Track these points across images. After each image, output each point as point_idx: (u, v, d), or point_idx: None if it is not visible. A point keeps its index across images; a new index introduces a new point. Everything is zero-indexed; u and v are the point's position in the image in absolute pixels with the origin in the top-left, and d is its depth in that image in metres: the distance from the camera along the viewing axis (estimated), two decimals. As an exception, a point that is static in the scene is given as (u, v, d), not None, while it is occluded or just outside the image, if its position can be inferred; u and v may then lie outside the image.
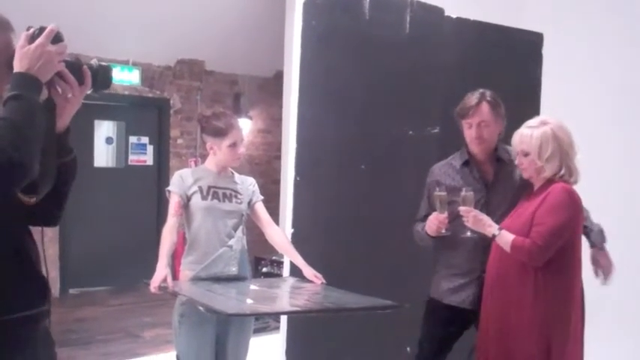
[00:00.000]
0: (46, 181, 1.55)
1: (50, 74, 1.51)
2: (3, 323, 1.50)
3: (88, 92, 1.64)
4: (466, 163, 2.87)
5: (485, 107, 2.76)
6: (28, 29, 1.51)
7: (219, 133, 2.83)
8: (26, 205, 1.56)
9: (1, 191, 1.45)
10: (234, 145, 2.84)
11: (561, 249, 2.49)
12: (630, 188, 4.03)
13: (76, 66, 1.59)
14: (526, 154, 2.55)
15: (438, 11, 3.61)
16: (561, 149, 2.51)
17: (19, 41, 1.49)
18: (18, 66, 1.47)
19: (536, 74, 3.86)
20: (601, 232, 2.77)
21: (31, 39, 1.49)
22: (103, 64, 1.67)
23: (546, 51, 3.90)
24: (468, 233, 2.68)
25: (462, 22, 3.68)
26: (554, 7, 4.32)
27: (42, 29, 1.51)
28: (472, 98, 2.79)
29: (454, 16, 3.66)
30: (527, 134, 2.55)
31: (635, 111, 4.06)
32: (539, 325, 2.49)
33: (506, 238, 2.52)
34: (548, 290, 2.50)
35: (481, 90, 2.81)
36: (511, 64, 3.70)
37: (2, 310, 1.51)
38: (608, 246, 2.81)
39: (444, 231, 2.71)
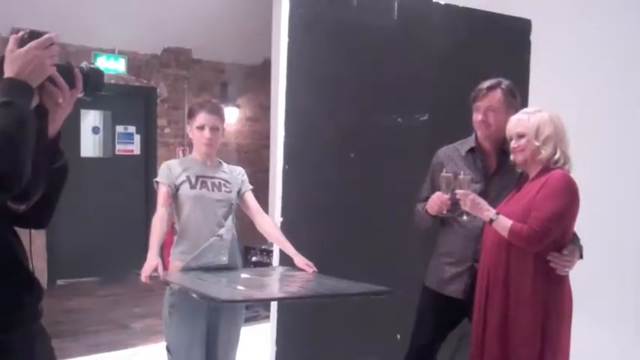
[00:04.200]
0: (37, 188, 1.51)
1: (42, 79, 1.46)
2: None
3: (79, 96, 1.59)
4: (472, 151, 2.86)
5: (497, 94, 2.74)
6: (16, 33, 1.46)
7: (189, 115, 2.88)
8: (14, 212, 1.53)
9: None
10: (201, 128, 2.81)
11: (559, 236, 2.49)
12: (622, 174, 4.03)
13: (66, 69, 1.54)
14: (522, 136, 2.54)
15: (427, -2, 3.60)
16: (557, 133, 2.53)
17: (8, 45, 1.45)
18: (8, 70, 1.42)
19: (524, 60, 3.86)
20: (581, 247, 2.67)
21: (21, 43, 1.44)
22: (94, 66, 1.63)
23: (534, 37, 3.89)
24: (465, 217, 2.67)
25: (450, 9, 3.67)
26: (542, -7, 4.31)
27: (31, 33, 1.46)
28: (487, 83, 2.77)
29: (442, 2, 3.65)
30: (524, 118, 2.56)
31: (625, 97, 4.07)
32: (538, 313, 2.49)
33: (504, 224, 2.50)
34: (544, 279, 2.50)
35: (500, 79, 2.79)
36: (499, 51, 3.68)
37: None
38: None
39: (445, 212, 2.71)
